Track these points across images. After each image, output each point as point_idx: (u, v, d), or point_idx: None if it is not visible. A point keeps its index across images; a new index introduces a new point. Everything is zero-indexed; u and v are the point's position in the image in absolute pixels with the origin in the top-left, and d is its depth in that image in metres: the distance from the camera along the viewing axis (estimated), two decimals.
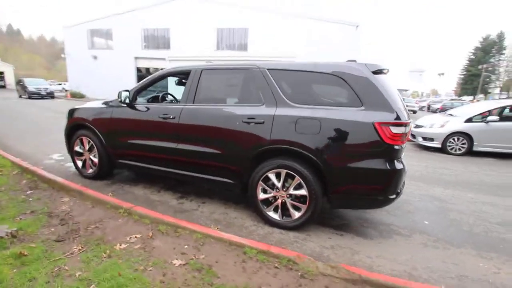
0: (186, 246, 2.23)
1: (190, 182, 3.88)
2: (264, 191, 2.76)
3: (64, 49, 24.63)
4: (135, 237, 2.33)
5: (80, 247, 2.16)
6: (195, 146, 3.00)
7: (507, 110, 7.16)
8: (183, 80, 4.12)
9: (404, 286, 1.82)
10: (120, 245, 2.19)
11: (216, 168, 2.94)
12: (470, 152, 6.87)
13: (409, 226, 2.97)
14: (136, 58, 22.27)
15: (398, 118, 2.36)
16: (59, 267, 1.91)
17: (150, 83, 3.48)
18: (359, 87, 2.46)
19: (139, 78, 23.11)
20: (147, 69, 25.20)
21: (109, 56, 22.56)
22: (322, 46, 16.71)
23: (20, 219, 2.60)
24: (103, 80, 22.41)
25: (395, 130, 2.34)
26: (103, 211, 2.81)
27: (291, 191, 2.63)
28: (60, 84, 34.61)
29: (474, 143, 6.71)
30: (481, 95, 38.11)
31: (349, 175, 2.45)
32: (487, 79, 40.67)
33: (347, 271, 1.93)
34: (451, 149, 6.98)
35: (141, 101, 3.60)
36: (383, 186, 2.45)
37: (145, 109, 3.34)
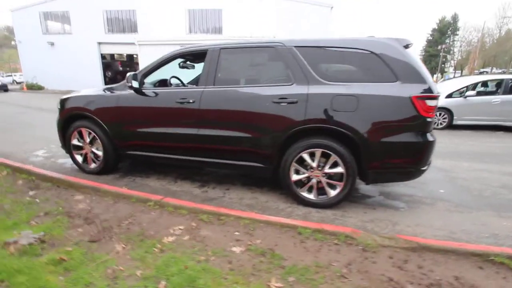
0: (237, 233, 2.15)
1: (211, 169, 3.71)
2: (297, 172, 2.73)
3: (15, 36, 21.87)
4: (179, 228, 2.19)
5: (123, 245, 1.99)
6: (219, 131, 2.85)
7: (479, 85, 7.79)
8: (188, 62, 3.85)
9: (461, 248, 1.93)
10: (168, 238, 2.05)
11: (245, 152, 2.83)
12: (450, 126, 7.42)
13: (429, 195, 3.15)
14: (100, 43, 20.44)
15: (431, 91, 2.42)
16: (111, 268, 1.74)
17: (158, 65, 3.19)
18: (393, 61, 2.46)
19: (105, 65, 21.39)
20: (112, 56, 23.37)
21: (68, 42, 20.44)
22: (298, 27, 16.65)
23: (36, 222, 2.32)
24: (63, 69, 20.41)
25: (430, 103, 2.41)
26: (129, 205, 2.60)
27: (327, 170, 2.62)
28: (10, 76, 30.90)
29: (454, 117, 7.24)
30: (439, 74, 41.05)
31: (386, 149, 2.50)
32: (444, 59, 43.78)
33: (405, 241, 2.00)
34: (434, 123, 7.44)
35: (148, 86, 3.31)
36: (417, 158, 2.54)
37: (157, 94, 3.08)
